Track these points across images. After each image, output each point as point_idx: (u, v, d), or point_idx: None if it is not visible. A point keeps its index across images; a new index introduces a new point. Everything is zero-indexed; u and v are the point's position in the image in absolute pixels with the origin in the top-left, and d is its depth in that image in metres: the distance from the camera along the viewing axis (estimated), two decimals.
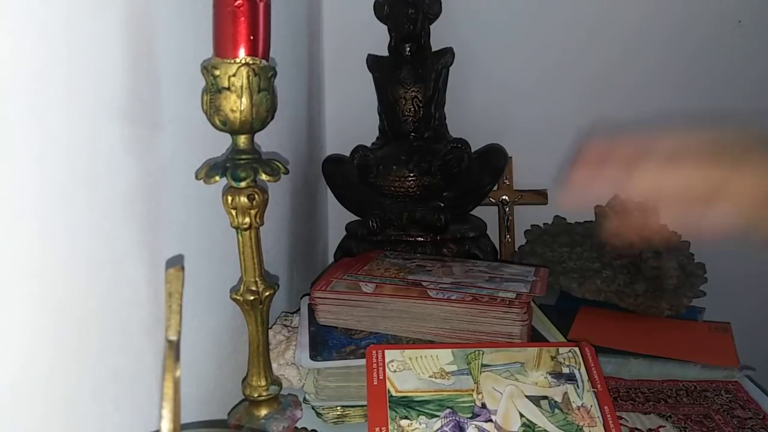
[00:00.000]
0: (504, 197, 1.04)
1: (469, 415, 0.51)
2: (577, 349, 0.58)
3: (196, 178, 0.47)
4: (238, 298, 0.50)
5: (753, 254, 0.92)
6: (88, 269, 0.37)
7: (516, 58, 1.03)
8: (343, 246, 0.95)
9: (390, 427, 0.50)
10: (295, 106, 0.87)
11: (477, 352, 0.57)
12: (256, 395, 0.52)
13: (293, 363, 0.66)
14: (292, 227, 0.84)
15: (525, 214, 1.04)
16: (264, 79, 0.45)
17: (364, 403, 0.58)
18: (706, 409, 0.66)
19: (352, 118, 1.06)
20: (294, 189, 0.85)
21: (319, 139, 1.04)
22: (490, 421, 0.51)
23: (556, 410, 0.52)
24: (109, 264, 0.39)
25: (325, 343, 0.63)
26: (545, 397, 0.53)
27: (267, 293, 0.50)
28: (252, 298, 0.49)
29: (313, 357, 0.61)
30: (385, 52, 0.96)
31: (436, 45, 0.96)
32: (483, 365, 0.56)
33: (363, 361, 0.57)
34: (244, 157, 0.46)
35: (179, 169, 0.49)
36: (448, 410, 0.52)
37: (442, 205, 0.91)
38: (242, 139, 0.46)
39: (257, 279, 0.49)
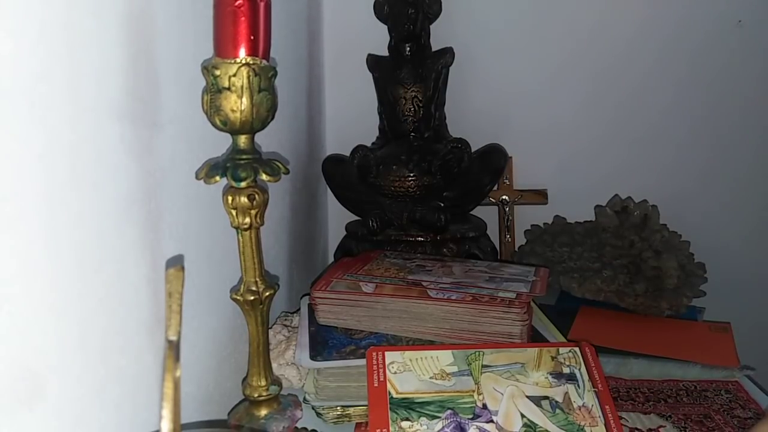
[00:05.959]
0: (504, 197, 1.04)
1: (470, 416, 0.51)
2: (577, 349, 0.58)
3: (196, 178, 0.47)
4: (238, 298, 0.50)
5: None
6: (88, 269, 0.37)
7: (516, 59, 1.03)
8: (343, 246, 0.95)
9: (391, 428, 0.50)
10: (295, 106, 0.87)
11: (477, 353, 0.57)
12: (256, 395, 0.52)
13: (293, 363, 0.66)
14: (292, 227, 0.84)
15: (525, 214, 1.04)
16: (264, 79, 0.45)
17: (364, 402, 0.58)
18: (706, 409, 0.66)
19: (352, 118, 1.06)
20: (294, 189, 0.85)
21: (319, 139, 1.04)
22: (491, 421, 0.51)
23: (557, 410, 0.52)
24: (110, 264, 0.39)
25: (325, 343, 0.63)
26: (546, 397, 0.53)
27: (267, 293, 0.50)
28: (252, 298, 0.49)
29: (313, 357, 0.61)
30: (385, 52, 0.96)
31: (436, 45, 0.96)
32: (483, 366, 0.56)
33: (363, 361, 0.57)
34: (244, 157, 0.46)
35: (179, 169, 0.49)
36: (449, 411, 0.51)
37: (442, 205, 0.91)
38: (242, 139, 0.46)
39: (257, 279, 0.49)
